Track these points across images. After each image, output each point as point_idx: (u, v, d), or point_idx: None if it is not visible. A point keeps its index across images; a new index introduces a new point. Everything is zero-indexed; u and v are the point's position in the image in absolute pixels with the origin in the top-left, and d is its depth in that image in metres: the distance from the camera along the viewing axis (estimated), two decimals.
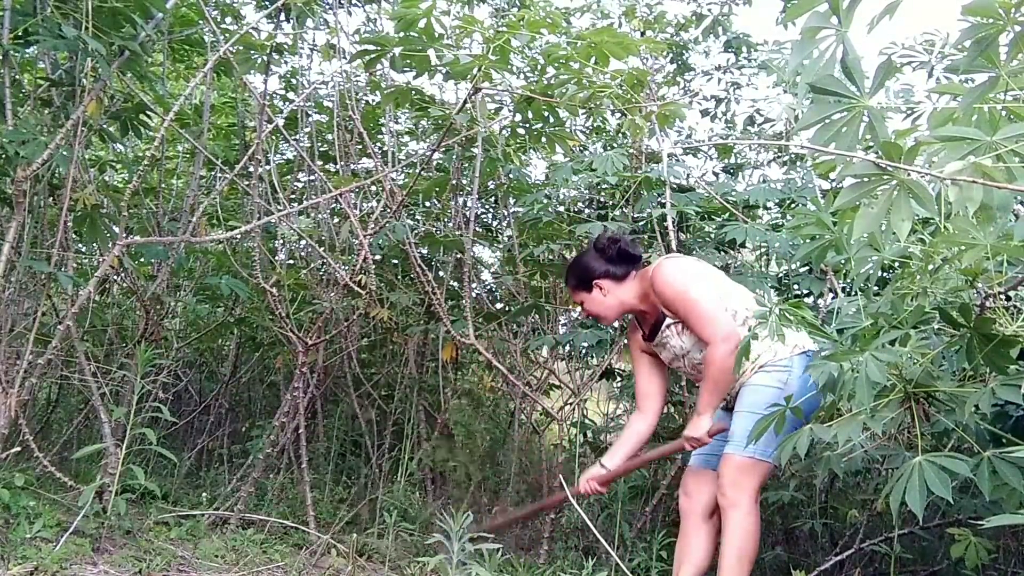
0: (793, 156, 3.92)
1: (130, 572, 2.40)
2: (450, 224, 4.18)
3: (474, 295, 4.02)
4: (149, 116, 3.19)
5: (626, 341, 2.82)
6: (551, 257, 3.89)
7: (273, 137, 3.76)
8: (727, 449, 2.34)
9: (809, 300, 3.44)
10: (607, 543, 2.64)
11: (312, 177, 3.95)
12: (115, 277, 3.62)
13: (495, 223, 4.65)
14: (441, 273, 4.14)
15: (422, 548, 2.95)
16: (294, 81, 4.08)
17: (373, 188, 3.89)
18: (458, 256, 3.96)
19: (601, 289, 2.60)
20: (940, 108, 2.18)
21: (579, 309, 2.87)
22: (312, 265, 3.88)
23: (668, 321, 2.54)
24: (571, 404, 3.83)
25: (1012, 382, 1.55)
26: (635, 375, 2.74)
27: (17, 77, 2.72)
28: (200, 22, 3.43)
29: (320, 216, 3.93)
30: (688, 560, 2.48)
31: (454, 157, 3.81)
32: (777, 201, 3.52)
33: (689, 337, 2.50)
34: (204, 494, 3.32)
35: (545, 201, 3.68)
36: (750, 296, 2.51)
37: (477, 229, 4.12)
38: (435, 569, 2.45)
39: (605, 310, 2.62)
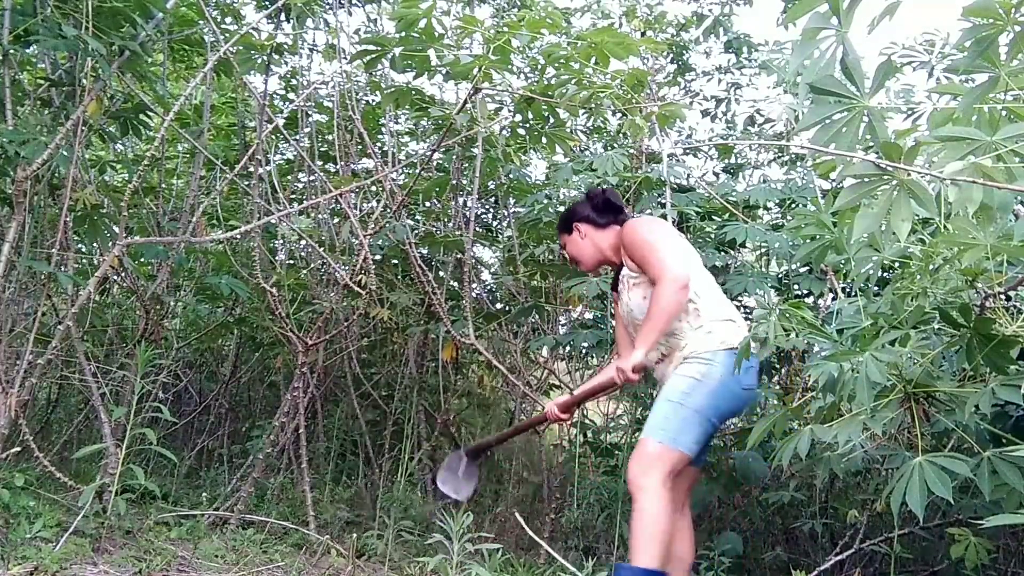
0: (793, 156, 3.92)
1: (130, 572, 2.40)
2: (450, 224, 4.18)
3: (474, 295, 4.03)
4: (149, 116, 3.19)
5: None
6: (551, 257, 3.89)
7: (273, 137, 3.76)
8: (642, 434, 2.36)
9: (809, 300, 3.44)
10: (607, 543, 2.64)
11: (312, 177, 3.95)
12: (115, 277, 3.62)
13: (495, 223, 4.65)
14: (441, 273, 4.14)
15: (422, 548, 2.95)
16: (294, 81, 4.08)
17: (373, 188, 3.90)
18: (458, 256, 3.96)
19: (580, 232, 2.70)
20: (940, 108, 2.19)
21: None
22: (312, 265, 3.88)
23: (624, 272, 2.59)
24: None
25: (1012, 382, 1.55)
26: (615, 325, 2.80)
27: (17, 77, 2.72)
28: (200, 22, 3.43)
29: (320, 216, 3.93)
30: (674, 558, 2.47)
31: (454, 157, 3.82)
32: (777, 201, 3.53)
33: (635, 294, 2.54)
34: (204, 494, 3.32)
35: (545, 201, 3.68)
36: (711, 284, 2.53)
37: (477, 229, 4.12)
38: (435, 569, 2.45)
39: (581, 253, 2.71)
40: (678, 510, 2.51)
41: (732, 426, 3.46)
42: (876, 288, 2.45)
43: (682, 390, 2.35)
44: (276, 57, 3.48)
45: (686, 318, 2.43)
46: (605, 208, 2.68)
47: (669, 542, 2.38)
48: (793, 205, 3.56)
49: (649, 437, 2.33)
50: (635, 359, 2.37)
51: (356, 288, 3.13)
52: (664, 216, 3.24)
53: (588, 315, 3.95)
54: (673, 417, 2.32)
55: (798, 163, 3.88)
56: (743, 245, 3.29)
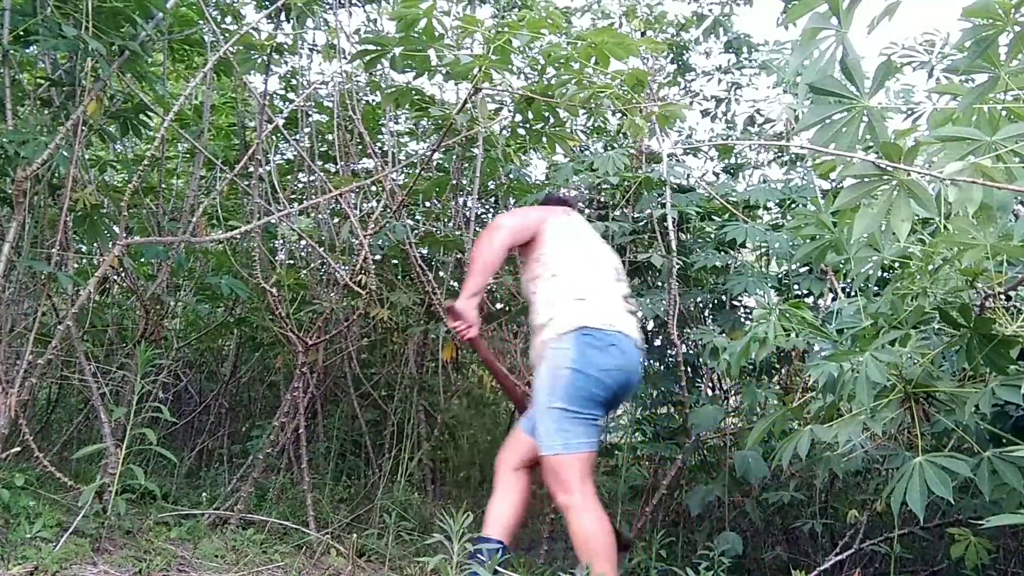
0: (793, 156, 3.92)
1: (130, 572, 2.40)
2: (450, 224, 4.18)
3: None
4: (149, 116, 3.19)
5: None
6: None
7: (273, 137, 3.76)
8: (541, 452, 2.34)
9: (809, 300, 3.44)
10: None
11: (312, 177, 3.95)
12: (115, 277, 3.62)
13: None
14: (441, 273, 4.14)
15: (422, 548, 2.95)
16: (294, 81, 4.08)
17: (373, 188, 3.89)
18: (458, 256, 3.96)
19: None
20: (940, 108, 2.19)
21: None
22: (312, 265, 3.88)
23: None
24: None
25: (1012, 382, 1.55)
26: None
27: (17, 77, 2.72)
28: (200, 22, 3.43)
29: (320, 216, 3.93)
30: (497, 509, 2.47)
31: (454, 157, 3.82)
32: (777, 201, 3.53)
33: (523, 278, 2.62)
34: (204, 494, 3.32)
35: None
36: (588, 258, 2.50)
37: (477, 229, 4.12)
38: (435, 569, 2.44)
39: None
40: (514, 468, 2.47)
41: (732, 426, 3.46)
42: (876, 288, 2.45)
43: (545, 392, 2.32)
44: (276, 57, 3.48)
45: (540, 282, 2.43)
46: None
47: (611, 545, 2.30)
48: (793, 205, 3.57)
49: (545, 455, 2.30)
50: (460, 302, 2.39)
51: (356, 288, 3.12)
52: (664, 216, 3.24)
53: None
54: (551, 424, 2.29)
55: (798, 163, 3.88)
56: (743, 245, 3.29)
